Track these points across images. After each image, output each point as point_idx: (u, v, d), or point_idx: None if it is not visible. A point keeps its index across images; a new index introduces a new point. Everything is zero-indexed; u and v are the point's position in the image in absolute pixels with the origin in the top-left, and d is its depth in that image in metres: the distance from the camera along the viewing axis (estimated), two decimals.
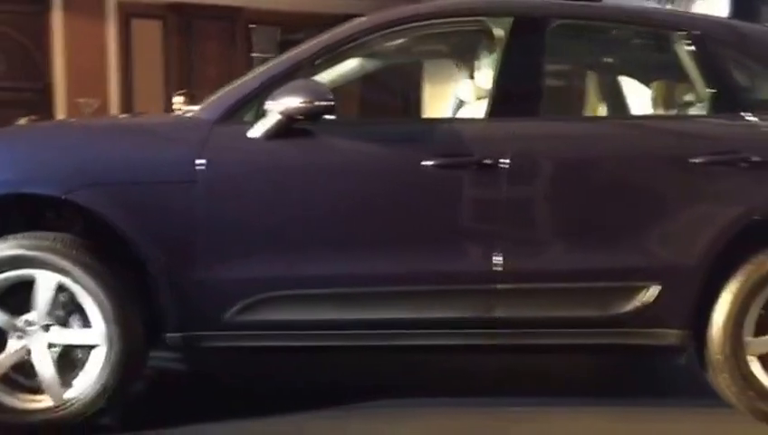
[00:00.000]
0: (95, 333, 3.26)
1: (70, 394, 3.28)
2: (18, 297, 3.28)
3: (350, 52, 3.72)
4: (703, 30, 3.66)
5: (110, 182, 3.29)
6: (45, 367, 3.26)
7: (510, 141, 3.42)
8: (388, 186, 3.42)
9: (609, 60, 4.28)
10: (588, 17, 3.77)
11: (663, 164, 3.47)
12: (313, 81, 3.45)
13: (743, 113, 3.55)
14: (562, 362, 4.40)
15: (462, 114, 4.12)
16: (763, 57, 3.72)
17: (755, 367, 3.46)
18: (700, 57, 3.63)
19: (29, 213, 3.42)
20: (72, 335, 3.29)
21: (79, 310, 3.28)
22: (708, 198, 3.45)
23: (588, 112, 4.19)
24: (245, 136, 3.36)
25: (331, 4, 11.43)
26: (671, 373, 4.24)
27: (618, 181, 3.47)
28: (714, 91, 3.62)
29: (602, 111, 4.13)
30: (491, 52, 3.75)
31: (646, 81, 4.02)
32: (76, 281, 3.24)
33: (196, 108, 3.64)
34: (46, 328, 3.28)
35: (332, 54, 3.62)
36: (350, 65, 3.98)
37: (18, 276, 3.27)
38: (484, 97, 3.77)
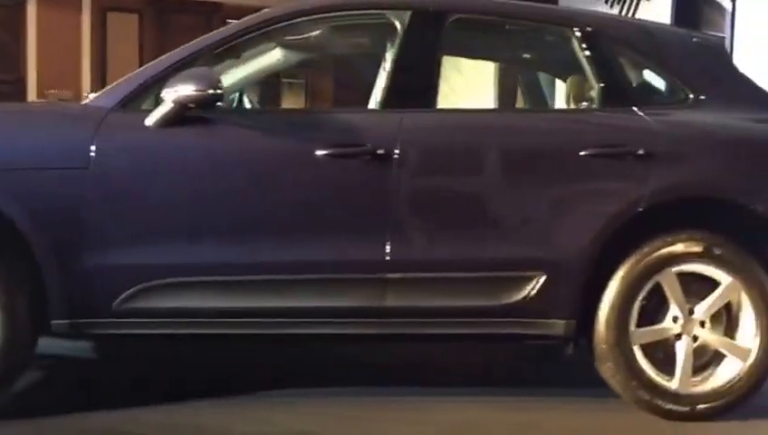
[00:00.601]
0: None
1: None
2: None
3: (251, 43, 3.76)
4: (595, 26, 3.72)
5: None
6: None
7: (402, 132, 3.47)
8: (281, 175, 3.46)
9: (506, 55, 4.34)
10: (485, 12, 3.83)
11: (551, 156, 3.52)
12: (206, 69, 3.49)
13: (632, 107, 3.61)
14: (453, 353, 4.46)
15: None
16: (654, 54, 3.78)
17: (638, 357, 3.52)
18: (592, 52, 3.70)
19: None
20: None
21: None
22: (595, 190, 3.51)
23: (483, 105, 4.25)
24: (139, 124, 3.40)
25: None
26: (563, 364, 4.27)
27: (507, 173, 3.52)
28: (604, 85, 3.68)
29: (497, 103, 4.19)
30: (391, 44, 3.80)
31: (541, 75, 4.07)
32: None
33: (95, 95, 3.69)
34: None
35: (233, 45, 3.67)
36: (257, 57, 4.03)
37: None
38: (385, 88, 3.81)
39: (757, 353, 3.53)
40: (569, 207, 3.48)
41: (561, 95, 4.01)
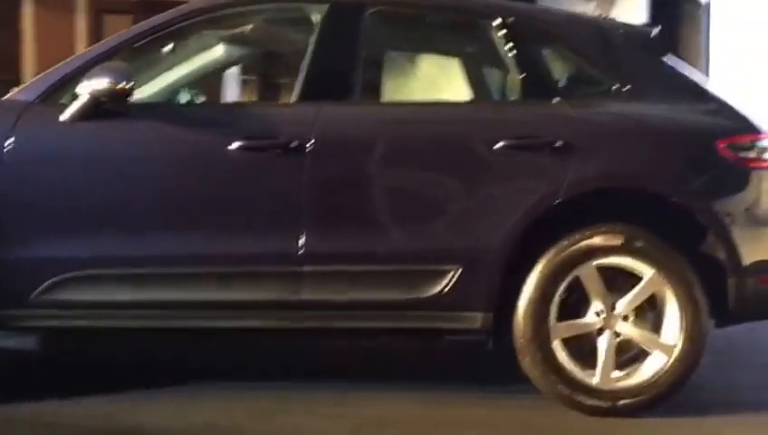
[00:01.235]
0: None
1: None
2: None
3: (169, 37, 3.75)
4: (517, 17, 3.67)
5: None
6: None
7: (315, 124, 3.44)
8: (194, 168, 3.46)
9: (426, 46, 4.30)
10: (404, 4, 3.81)
11: (467, 148, 3.48)
12: (119, 63, 3.49)
13: (551, 99, 3.56)
14: (376, 347, 4.42)
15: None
16: (578, 45, 3.72)
17: (558, 351, 3.46)
18: (514, 44, 3.65)
19: None
20: None
21: None
22: (511, 182, 3.46)
23: (401, 97, 4.22)
24: (55, 118, 3.42)
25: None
26: (488, 359, 4.20)
27: (422, 165, 3.48)
28: (525, 76, 3.63)
29: (416, 95, 4.16)
30: (310, 38, 3.77)
31: (461, 66, 4.03)
32: None
33: (18, 89, 3.70)
34: None
35: (152, 39, 3.67)
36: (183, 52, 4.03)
37: None
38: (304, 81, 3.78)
39: (681, 348, 3.46)
40: (485, 200, 3.44)
41: (470, 85, 3.96)
